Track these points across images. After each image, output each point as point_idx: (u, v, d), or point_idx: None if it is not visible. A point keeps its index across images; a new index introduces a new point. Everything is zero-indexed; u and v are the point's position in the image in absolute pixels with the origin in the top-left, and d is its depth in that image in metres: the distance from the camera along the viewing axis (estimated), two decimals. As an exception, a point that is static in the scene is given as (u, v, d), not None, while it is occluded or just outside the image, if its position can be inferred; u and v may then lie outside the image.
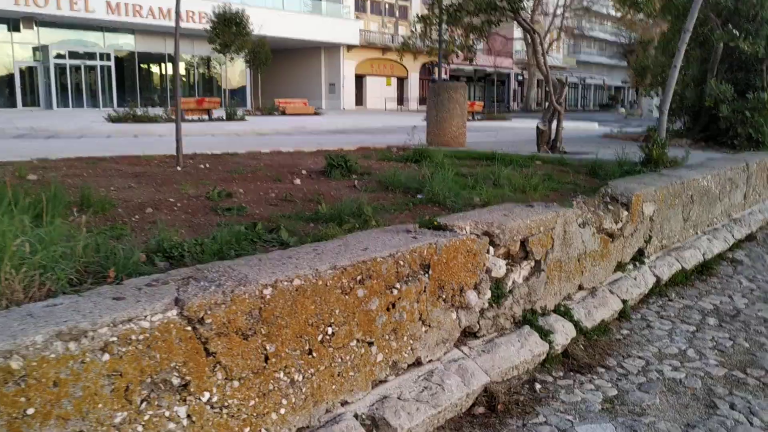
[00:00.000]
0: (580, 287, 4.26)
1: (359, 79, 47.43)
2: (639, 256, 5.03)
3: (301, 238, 3.21)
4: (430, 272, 2.97)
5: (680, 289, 5.15)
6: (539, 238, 3.73)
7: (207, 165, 6.44)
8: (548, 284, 3.87)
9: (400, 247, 2.83)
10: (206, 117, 23.00)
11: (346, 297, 2.57)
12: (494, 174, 5.43)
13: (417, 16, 9.03)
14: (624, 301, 4.45)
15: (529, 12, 8.58)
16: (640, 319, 4.43)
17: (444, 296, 3.09)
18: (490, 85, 58.45)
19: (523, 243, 3.65)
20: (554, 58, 56.52)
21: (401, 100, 49.77)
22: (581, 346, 3.84)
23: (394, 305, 2.80)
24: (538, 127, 8.39)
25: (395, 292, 2.79)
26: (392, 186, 4.82)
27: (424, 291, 2.95)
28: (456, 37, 9.08)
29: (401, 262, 2.82)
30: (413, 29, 9.07)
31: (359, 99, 48.04)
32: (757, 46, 9.31)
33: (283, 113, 29.39)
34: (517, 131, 17.10)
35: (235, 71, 37.47)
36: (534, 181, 5.06)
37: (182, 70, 38.62)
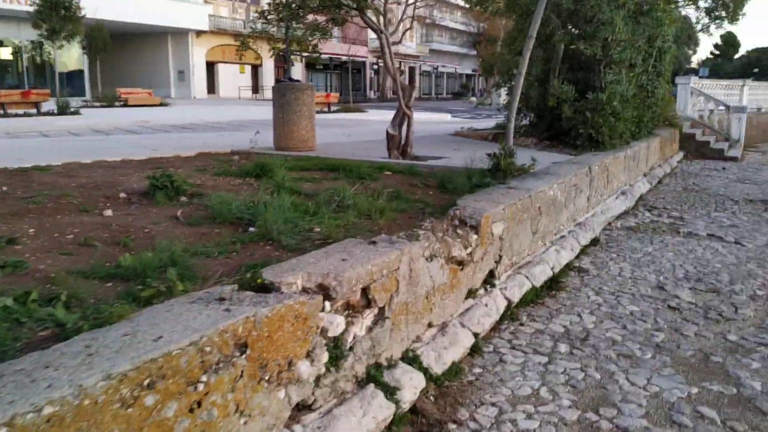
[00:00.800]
0: (430, 325, 3.92)
1: (211, 67, 45.33)
2: (490, 279, 4.81)
3: (85, 312, 2.55)
4: (249, 352, 2.45)
5: (532, 310, 5.01)
6: (383, 283, 3.31)
7: (4, 188, 5.43)
8: (394, 331, 3.47)
9: (206, 329, 2.27)
10: (34, 111, 20.68)
11: (129, 411, 1.98)
12: (339, 194, 4.98)
13: (256, 11, 8.36)
14: (476, 335, 4.18)
15: (383, 1, 8.22)
16: (492, 352, 4.18)
17: (268, 376, 2.57)
18: (346, 73, 58.33)
19: (365, 290, 3.22)
20: (407, 46, 57.42)
21: (256, 88, 48.26)
22: (431, 397, 3.49)
23: (200, 404, 2.24)
24: (388, 132, 8.08)
25: (201, 387, 2.24)
26: (221, 216, 4.22)
27: (241, 376, 2.42)
28: (300, 34, 8.54)
29: (208, 349, 2.27)
30: (252, 26, 8.39)
31: (211, 87, 45.96)
32: (595, 48, 9.62)
33: (126, 104, 27.24)
34: (372, 126, 16.85)
35: (71, 57, 34.24)
36: (380, 205, 4.67)
37: (8, 56, 34.76)
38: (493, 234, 4.77)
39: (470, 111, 35.27)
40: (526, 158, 6.97)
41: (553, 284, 5.55)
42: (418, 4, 9.80)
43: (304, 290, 2.96)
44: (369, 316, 3.29)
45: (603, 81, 9.91)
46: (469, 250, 4.42)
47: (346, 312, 3.15)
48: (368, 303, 3.27)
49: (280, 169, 6.04)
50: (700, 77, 25.30)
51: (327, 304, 2.97)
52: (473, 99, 56.74)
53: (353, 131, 14.64)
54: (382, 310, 3.35)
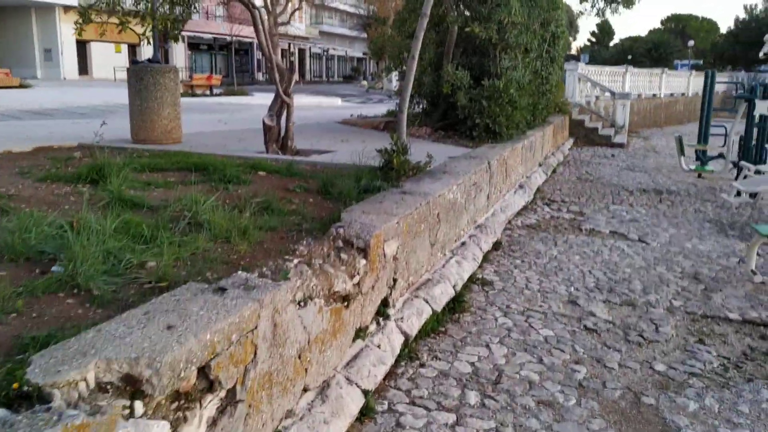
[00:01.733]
0: (305, 390, 2.98)
1: (83, 46, 41.60)
2: (383, 309, 3.93)
3: None
4: None
5: (433, 342, 4.18)
6: (231, 355, 2.33)
7: None
8: (252, 416, 2.50)
9: None
10: None
11: None
12: (192, 207, 3.91)
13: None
14: (366, 392, 3.28)
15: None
16: (387, 412, 3.30)
17: None
18: (233, 54, 55.73)
19: (204, 369, 2.23)
20: (297, 27, 55.74)
21: (134, 69, 44.86)
22: (306, 502, 2.56)
23: None
24: (264, 123, 7.00)
25: None
26: (12, 250, 3.04)
27: None
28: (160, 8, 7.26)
29: None
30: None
31: (84, 67, 42.22)
32: (490, 31, 8.96)
33: (-25, 86, 24.13)
34: (255, 111, 15.52)
35: None
36: (243, 222, 3.66)
37: None
38: (386, 255, 3.88)
39: (361, 95, 34.40)
40: (421, 152, 6.16)
41: (456, 305, 4.76)
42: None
43: (101, 388, 1.93)
44: (212, 403, 2.29)
45: (499, 66, 9.30)
46: (357, 279, 3.51)
47: (175, 405, 2.15)
48: (211, 385, 2.28)
49: (123, 170, 4.84)
50: (584, 64, 25.75)
51: (138, 405, 1.96)
52: (364, 83, 55.93)
53: (232, 118, 13.33)
54: (232, 391, 2.37)
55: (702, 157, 12.60)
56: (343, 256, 3.50)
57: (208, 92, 25.91)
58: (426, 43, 9.88)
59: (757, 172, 8.18)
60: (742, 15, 61.17)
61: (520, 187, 8.90)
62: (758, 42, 50.90)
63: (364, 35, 65.18)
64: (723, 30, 66.93)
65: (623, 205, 9.05)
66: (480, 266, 5.79)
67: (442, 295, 4.58)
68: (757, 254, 6.00)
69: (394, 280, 4.07)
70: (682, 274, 5.86)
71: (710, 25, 70.56)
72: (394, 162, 5.33)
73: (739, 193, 8.20)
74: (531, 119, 10.77)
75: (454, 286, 4.83)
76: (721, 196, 9.19)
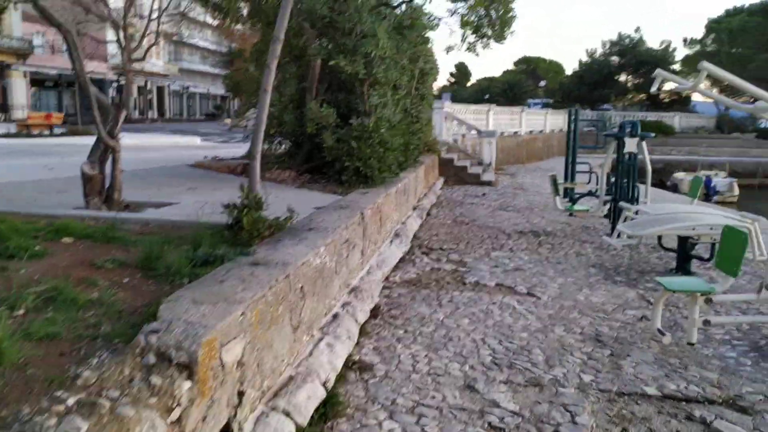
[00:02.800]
0: None
1: None
2: (225, 440, 2.76)
3: None
4: None
5: (298, 475, 3.06)
6: None
7: None
8: None
9: None
10: None
11: None
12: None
13: None
14: None
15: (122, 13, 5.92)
16: None
17: None
18: (79, 91, 51.76)
19: None
20: (153, 64, 53.00)
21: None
22: None
23: None
24: (83, 172, 5.60)
25: None
26: None
27: None
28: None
29: None
30: None
31: None
32: (357, 65, 8.12)
33: None
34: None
35: None
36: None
37: None
38: (226, 364, 2.74)
39: (224, 134, 32.71)
40: (282, 202, 5.10)
41: (329, 408, 3.67)
42: (163, 19, 7.51)
43: None
44: None
45: (368, 104, 8.47)
46: (177, 413, 2.34)
47: None
48: None
49: None
50: (451, 103, 25.98)
51: None
52: (228, 121, 53.99)
53: (64, 162, 11.51)
54: None
55: (571, 195, 12.50)
56: (155, 380, 2.33)
57: (47, 132, 23.25)
58: (287, 77, 8.89)
59: (637, 212, 7.87)
60: (585, 58, 66.12)
61: (397, 235, 8.04)
62: (600, 82, 54.87)
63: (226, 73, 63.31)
64: (569, 71, 72.00)
65: (504, 251, 8.45)
66: (357, 343, 4.75)
67: (309, 400, 3.47)
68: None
69: (241, 394, 2.93)
70: (582, 337, 5.17)
71: (557, 67, 75.72)
72: (244, 221, 4.20)
73: (619, 235, 7.83)
74: (403, 160, 10.04)
75: (324, 383, 3.74)
76: (603, 239, 8.86)
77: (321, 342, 4.14)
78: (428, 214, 11.26)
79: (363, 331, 5.00)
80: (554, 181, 10.29)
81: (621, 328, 5.40)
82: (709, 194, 24.25)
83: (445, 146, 17.98)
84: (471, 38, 9.47)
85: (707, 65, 4.32)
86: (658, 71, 5.17)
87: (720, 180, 27.19)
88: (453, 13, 9.08)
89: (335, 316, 4.69)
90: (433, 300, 6.07)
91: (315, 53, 8.28)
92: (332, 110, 8.23)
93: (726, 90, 33.03)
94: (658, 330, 4.90)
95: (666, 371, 4.49)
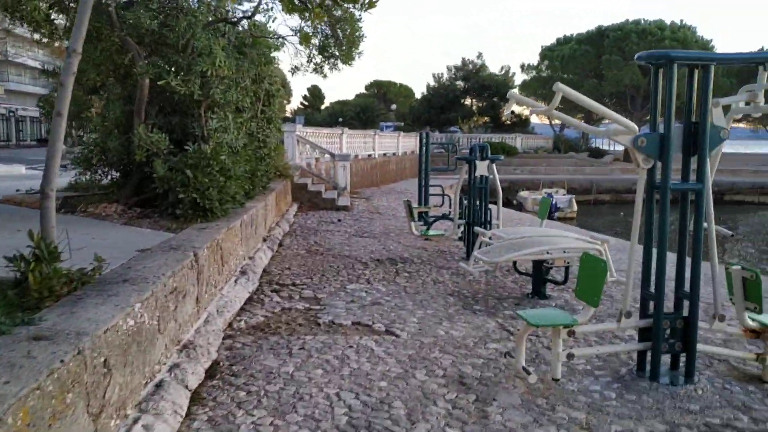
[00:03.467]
0: None
1: None
2: None
3: None
4: None
5: None
6: None
7: None
8: None
9: None
10: None
11: None
12: None
13: None
14: None
15: None
16: None
17: None
18: None
19: None
20: (-28, 84, 47.77)
21: None
22: None
23: None
24: None
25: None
26: None
27: None
28: None
29: None
30: None
31: None
32: (192, 85, 7.29)
33: None
34: None
35: None
36: None
37: None
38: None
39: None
40: (101, 243, 4.20)
41: None
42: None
43: None
44: None
45: (206, 128, 7.65)
46: None
47: None
48: None
49: None
50: (303, 126, 25.45)
51: None
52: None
53: None
54: None
55: (426, 219, 12.38)
56: None
57: None
58: (111, 99, 7.86)
59: (492, 237, 7.72)
60: (432, 82, 68.64)
61: (243, 273, 7.27)
62: (447, 105, 57.00)
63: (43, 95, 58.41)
64: (418, 95, 74.36)
65: (361, 282, 7.96)
66: (188, 414, 3.96)
67: None
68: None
69: None
70: (446, 380, 4.74)
71: (407, 91, 78.02)
72: (31, 279, 3.31)
73: (476, 261, 7.63)
74: (250, 188, 9.29)
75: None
76: (460, 265, 8.64)
77: (136, 424, 3.33)
78: (281, 245, 10.55)
79: (196, 398, 4.22)
80: (409, 206, 10.02)
81: (484, 365, 5.05)
82: (551, 211, 25.59)
83: (298, 171, 17.38)
84: (317, 59, 8.99)
85: (562, 87, 4.08)
86: (512, 93, 4.92)
87: (560, 197, 28.89)
88: (297, 31, 8.53)
89: (159, 385, 3.87)
90: (283, 348, 5.39)
91: (143, 72, 7.35)
92: (164, 136, 7.31)
93: (575, 110, 35.33)
94: (523, 368, 4.58)
95: (534, 415, 4.15)
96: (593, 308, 4.60)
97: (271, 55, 9.72)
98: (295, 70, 8.99)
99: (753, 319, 4.84)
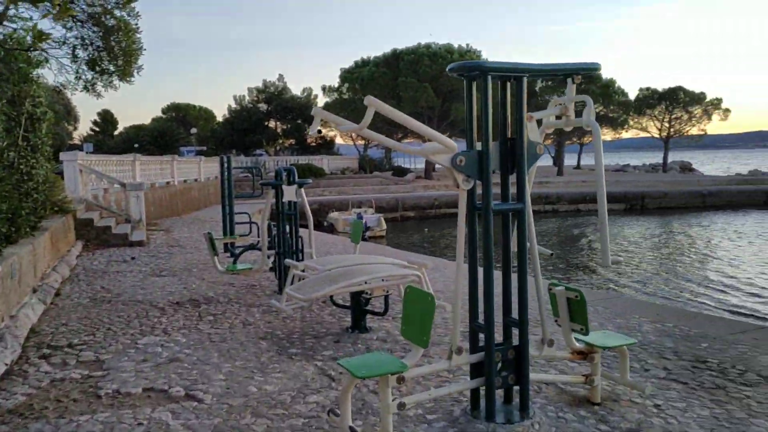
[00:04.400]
0: None
1: None
2: None
3: None
4: None
5: None
6: None
7: None
8: None
9: None
10: None
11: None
12: None
13: None
14: None
15: None
16: None
17: None
18: None
19: None
20: None
21: None
22: None
23: None
24: None
25: None
26: None
27: None
28: None
29: None
30: None
31: None
32: None
33: None
34: None
35: None
36: None
37: None
38: None
39: None
40: None
41: None
42: None
43: None
44: None
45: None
46: None
47: None
48: None
49: None
50: (87, 153, 22.93)
51: None
52: None
53: None
54: None
55: (232, 250, 11.41)
56: None
57: None
58: None
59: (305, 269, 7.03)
60: (234, 104, 66.87)
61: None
62: (250, 128, 56.07)
63: None
64: (219, 118, 72.00)
65: (156, 334, 6.83)
66: None
67: None
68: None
69: None
70: (261, 454, 3.93)
71: (208, 114, 75.27)
72: None
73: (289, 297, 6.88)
74: (12, 232, 7.68)
75: None
76: (271, 302, 7.82)
77: None
78: (57, 294, 8.94)
79: None
80: (211, 240, 9.01)
81: (306, 427, 4.32)
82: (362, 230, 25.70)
83: (82, 204, 15.37)
84: (88, 75, 7.70)
85: (375, 101, 3.53)
86: (316, 110, 4.31)
87: (369, 216, 29.21)
88: (63, 43, 7.21)
89: None
90: (55, 439, 4.21)
91: None
92: None
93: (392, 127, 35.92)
94: (350, 428, 3.92)
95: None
96: (422, 349, 4.08)
97: (33, 72, 8.20)
98: (61, 88, 7.62)
99: (579, 340, 4.67)
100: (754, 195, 44.47)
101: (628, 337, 4.84)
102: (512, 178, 4.34)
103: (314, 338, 6.57)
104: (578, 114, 4.53)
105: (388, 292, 6.57)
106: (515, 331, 4.43)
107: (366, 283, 6.24)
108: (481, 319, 4.39)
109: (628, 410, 4.48)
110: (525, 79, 4.21)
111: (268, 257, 9.39)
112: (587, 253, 27.12)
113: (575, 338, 4.67)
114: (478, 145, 4.18)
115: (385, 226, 29.39)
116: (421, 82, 45.50)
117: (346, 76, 53.21)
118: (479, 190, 4.20)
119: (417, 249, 25.14)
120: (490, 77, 4.10)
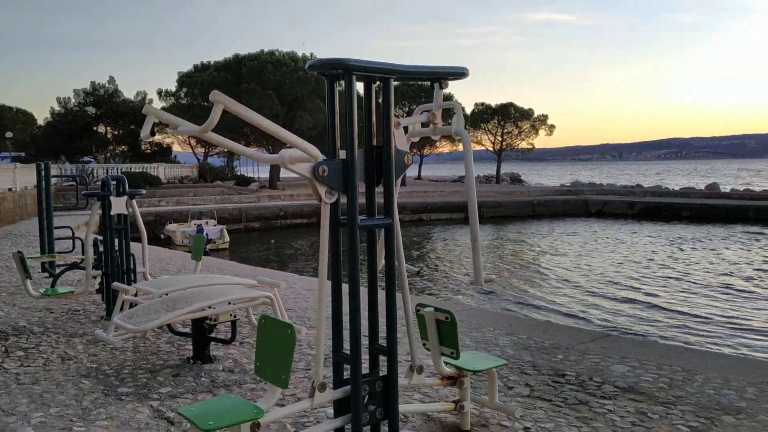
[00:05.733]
0: None
1: None
2: None
3: None
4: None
5: None
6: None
7: None
8: None
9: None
10: None
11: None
12: None
13: None
14: None
15: None
16: None
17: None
18: None
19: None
20: None
21: None
22: None
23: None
24: None
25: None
26: None
27: None
28: None
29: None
30: None
31: None
32: None
33: None
34: None
35: None
36: None
37: None
38: None
39: None
40: None
41: None
42: None
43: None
44: None
45: None
46: None
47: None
48: None
49: None
50: None
51: None
52: None
53: None
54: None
55: (51, 271, 10.01)
56: None
57: None
58: None
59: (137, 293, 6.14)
60: (57, 107, 61.16)
61: None
62: (77, 133, 51.82)
63: None
64: (41, 121, 65.58)
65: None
66: None
67: None
68: None
69: None
70: None
71: (26, 117, 68.26)
72: None
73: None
74: None
75: None
76: (97, 334, 6.76)
77: None
78: None
79: None
80: (22, 260, 7.71)
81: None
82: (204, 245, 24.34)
83: None
84: None
85: (222, 97, 2.92)
86: (148, 107, 3.60)
87: (211, 228, 27.79)
88: None
89: None
90: None
91: None
92: None
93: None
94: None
95: None
96: (280, 389, 3.51)
97: None
98: None
99: (448, 364, 4.34)
100: (576, 204, 48.60)
101: (498, 359, 4.60)
102: (379, 189, 3.92)
103: (149, 372, 5.70)
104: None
105: (235, 316, 5.89)
106: (382, 359, 3.99)
107: (210, 308, 5.53)
108: (345, 347, 3.90)
109: (501, 437, 4.22)
110: (392, 82, 3.81)
111: (94, 278, 8.26)
112: (435, 263, 27.76)
113: (444, 362, 4.34)
114: (342, 154, 3.70)
115: (228, 239, 28.08)
116: (266, 89, 44.46)
117: (185, 80, 50.70)
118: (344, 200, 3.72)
119: (264, 263, 24.22)
120: (354, 77, 3.64)
